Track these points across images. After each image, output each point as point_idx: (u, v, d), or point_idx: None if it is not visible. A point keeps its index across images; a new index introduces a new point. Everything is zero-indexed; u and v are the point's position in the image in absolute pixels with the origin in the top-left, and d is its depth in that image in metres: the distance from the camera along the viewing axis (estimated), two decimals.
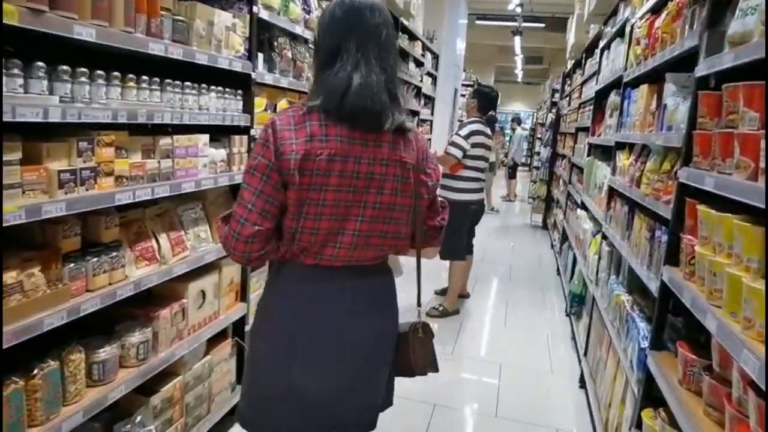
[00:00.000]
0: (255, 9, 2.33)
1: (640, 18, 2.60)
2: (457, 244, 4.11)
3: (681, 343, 1.61)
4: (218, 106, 2.19)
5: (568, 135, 6.26)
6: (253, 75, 2.37)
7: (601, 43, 4.14)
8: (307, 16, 2.83)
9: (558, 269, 5.66)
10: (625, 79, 2.87)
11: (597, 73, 4.27)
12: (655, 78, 2.28)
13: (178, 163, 1.97)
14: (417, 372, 1.51)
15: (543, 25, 11.11)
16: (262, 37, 2.59)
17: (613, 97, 3.32)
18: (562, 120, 7.34)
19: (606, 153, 3.77)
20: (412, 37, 5.55)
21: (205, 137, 2.12)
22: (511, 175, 11.26)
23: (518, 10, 9.30)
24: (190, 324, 2.18)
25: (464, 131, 4.05)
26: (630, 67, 2.78)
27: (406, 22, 5.20)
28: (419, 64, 5.99)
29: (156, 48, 1.75)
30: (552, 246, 6.79)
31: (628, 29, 2.94)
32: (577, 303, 3.87)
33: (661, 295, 1.78)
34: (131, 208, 1.92)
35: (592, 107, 4.33)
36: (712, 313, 1.32)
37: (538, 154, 9.63)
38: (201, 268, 2.23)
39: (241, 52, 2.29)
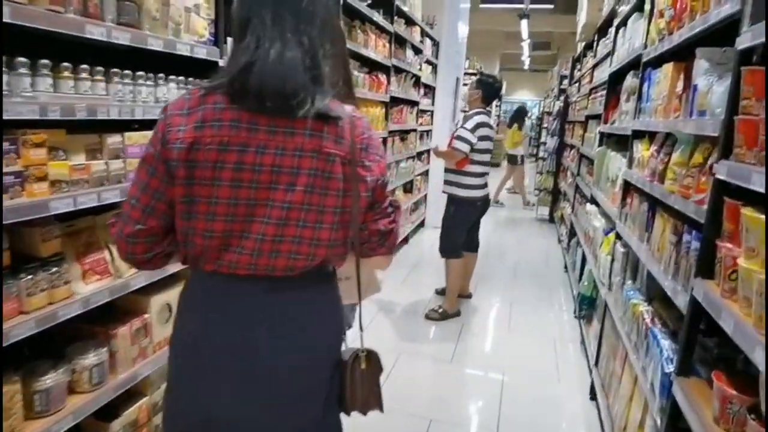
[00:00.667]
0: None
1: None
2: (456, 241, 3.89)
3: (717, 373, 1.35)
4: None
5: (577, 123, 5.97)
6: (222, 62, 2.11)
7: (617, 21, 3.83)
8: None
9: (566, 265, 5.39)
10: (645, 58, 2.58)
11: (611, 54, 3.97)
12: (681, 56, 2.00)
13: (132, 163, 1.73)
14: (354, 408, 1.26)
15: (552, 6, 10.69)
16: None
17: (631, 80, 3.03)
18: (571, 108, 7.03)
19: (621, 143, 3.49)
20: (410, 22, 5.26)
21: None
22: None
23: None
24: (155, 341, 1.95)
25: (470, 124, 3.78)
26: (651, 44, 2.49)
27: (403, 7, 4.91)
28: (417, 51, 5.70)
29: (96, 32, 1.50)
30: (559, 240, 6.51)
31: (648, 3, 2.65)
32: (587, 306, 3.61)
33: (692, 314, 1.52)
34: (80, 216, 1.69)
35: (604, 92, 4.03)
36: (762, 346, 1.06)
37: (544, 144, 9.31)
38: (167, 279, 1.99)
39: (207, 37, 2.03)
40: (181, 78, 1.94)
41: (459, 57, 7.51)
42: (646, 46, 2.61)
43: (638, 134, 2.65)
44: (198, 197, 1.05)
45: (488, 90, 3.98)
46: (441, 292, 4.33)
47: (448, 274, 4.04)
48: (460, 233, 3.92)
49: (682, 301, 1.61)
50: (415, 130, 6.02)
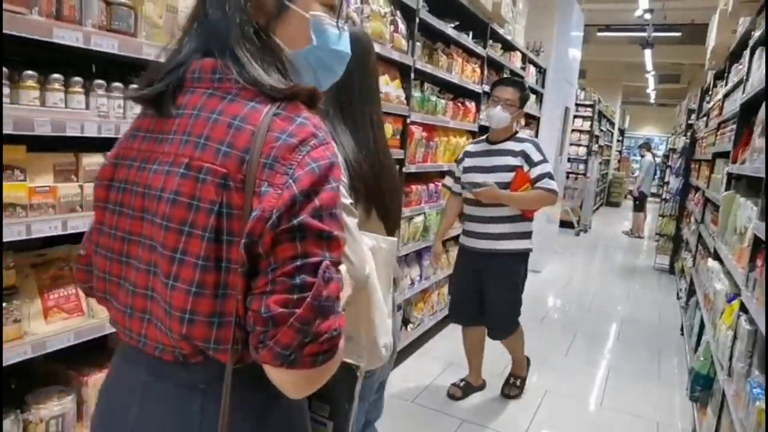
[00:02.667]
0: None
1: None
2: (519, 310, 2.98)
3: None
4: None
5: (704, 163, 5.10)
6: None
7: (752, 41, 3.13)
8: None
9: (682, 328, 4.52)
10: None
11: (744, 80, 3.25)
12: None
13: None
14: None
15: (679, 33, 9.59)
16: None
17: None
18: (698, 144, 6.10)
19: (753, 186, 2.78)
20: (508, 47, 4.83)
21: None
22: (637, 207, 9.87)
23: (647, 17, 8.03)
24: None
25: (542, 153, 2.84)
26: None
27: (499, 29, 4.51)
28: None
29: (68, 36, 1.31)
30: (678, 297, 5.56)
31: None
32: (701, 387, 2.86)
33: None
34: (55, 245, 1.50)
35: (734, 126, 3.31)
36: None
37: (668, 184, 8.26)
38: None
39: None
40: None
41: (569, 86, 6.91)
42: None
43: None
44: (95, 222, 0.87)
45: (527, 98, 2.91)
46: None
47: (511, 347, 3.10)
48: (521, 298, 2.99)
49: None
50: None
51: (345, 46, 0.89)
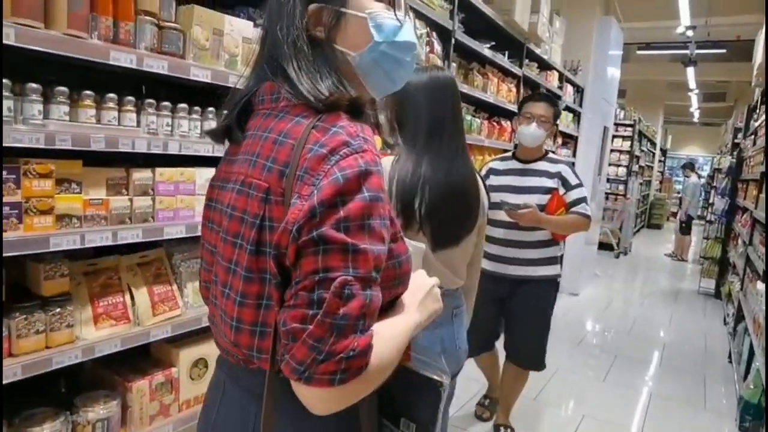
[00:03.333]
0: None
1: None
2: (547, 340, 2.77)
3: None
4: None
5: (752, 182, 4.93)
6: None
7: None
8: None
9: (730, 355, 4.33)
10: None
11: None
12: None
13: (162, 201, 1.59)
14: None
15: (723, 50, 9.31)
16: None
17: None
18: (745, 164, 5.90)
19: None
20: (545, 66, 4.82)
21: (208, 171, 1.72)
22: (684, 230, 9.48)
23: (689, 33, 7.84)
24: (182, 398, 1.76)
25: (577, 176, 2.72)
26: None
27: (536, 50, 4.52)
28: (556, 97, 5.21)
29: (123, 59, 1.40)
30: (725, 322, 5.33)
31: None
32: (752, 416, 2.74)
33: None
34: (105, 254, 1.58)
35: None
36: None
37: (713, 205, 7.99)
38: (205, 330, 1.81)
39: None
40: None
41: (608, 106, 6.81)
42: None
43: None
44: (202, 239, 0.93)
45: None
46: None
47: (517, 386, 2.85)
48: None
49: None
50: None
51: (408, 35, 0.85)
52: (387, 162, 1.48)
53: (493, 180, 2.65)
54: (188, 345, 1.77)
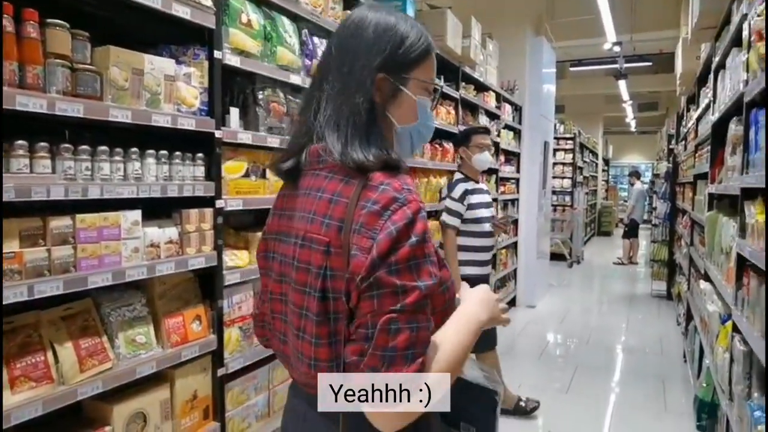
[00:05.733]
0: (218, 54, 1.89)
1: (761, 2, 1.77)
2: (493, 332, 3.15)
3: None
4: (161, 173, 1.72)
5: (687, 185, 5.15)
6: (219, 134, 1.90)
7: (714, 63, 3.22)
8: (310, 62, 2.36)
9: (685, 354, 4.44)
10: (748, 98, 2.01)
11: (712, 102, 3.33)
12: None
13: (84, 249, 1.49)
14: None
15: (650, 63, 9.89)
16: (247, 90, 2.14)
17: (734, 128, 2.42)
18: (680, 168, 6.19)
19: (734, 205, 2.79)
20: (481, 87, 4.94)
21: (134, 214, 1.64)
22: (627, 234, 9.89)
23: (617, 49, 8.28)
24: None
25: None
26: (753, 78, 1.93)
27: (473, 74, 4.63)
28: (493, 117, 5.32)
29: (30, 103, 1.32)
30: (678, 323, 5.49)
31: (745, 31, 2.10)
32: (707, 414, 2.79)
33: None
34: (22, 311, 1.46)
35: (709, 147, 3.36)
36: None
37: (656, 209, 8.32)
38: (143, 381, 1.70)
39: (197, 107, 1.83)
40: (163, 152, 1.73)
41: (547, 122, 7.04)
42: (747, 83, 2.04)
43: (750, 193, 2.03)
44: (263, 287, 1.06)
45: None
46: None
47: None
48: None
49: None
50: (495, 200, 5.54)
51: (433, 122, 1.06)
52: None
53: (472, 199, 3.12)
54: (123, 399, 1.65)
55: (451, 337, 0.89)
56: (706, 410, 2.80)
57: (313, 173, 0.93)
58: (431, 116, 1.03)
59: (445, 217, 3.11)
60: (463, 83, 4.48)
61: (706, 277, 3.20)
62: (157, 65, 1.67)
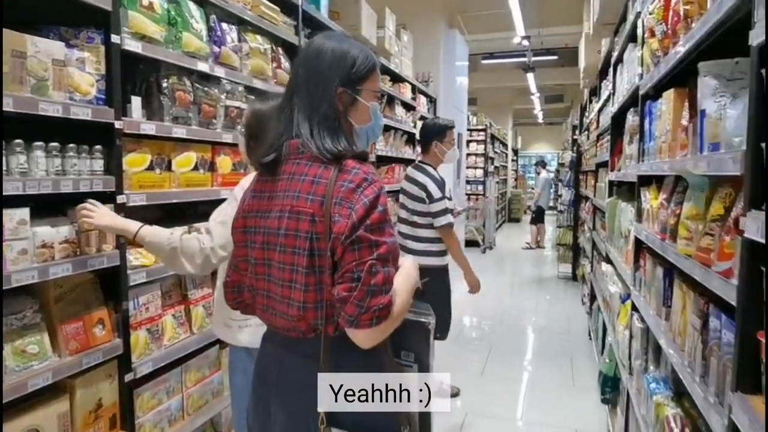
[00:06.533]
0: (116, 39, 1.74)
1: (653, 0, 1.89)
2: (449, 319, 3.31)
3: None
4: (52, 167, 1.56)
5: (590, 173, 5.50)
6: (119, 125, 1.75)
7: (614, 57, 3.44)
8: (219, 49, 2.24)
9: (590, 332, 4.75)
10: (642, 90, 2.15)
11: (612, 95, 3.55)
12: (683, 80, 1.56)
13: None
14: None
15: (556, 57, 10.45)
16: (151, 78, 1.99)
17: (631, 119, 2.59)
18: (583, 157, 6.58)
19: (633, 191, 3.00)
20: (397, 78, 4.97)
21: (21, 212, 1.48)
22: (534, 221, 10.45)
23: (525, 43, 8.65)
24: None
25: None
26: (647, 72, 2.06)
27: (389, 65, 4.64)
28: (409, 108, 5.38)
29: None
30: (582, 302, 5.87)
31: (640, 27, 2.24)
32: (611, 388, 2.99)
33: None
34: None
35: (609, 137, 3.58)
36: None
37: (561, 196, 8.82)
38: (36, 395, 1.55)
39: (93, 95, 1.68)
40: (54, 144, 1.57)
41: (460, 113, 7.22)
42: (641, 76, 2.18)
43: (645, 180, 2.18)
44: (239, 256, 1.29)
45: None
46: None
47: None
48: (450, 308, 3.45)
49: (717, 424, 1.08)
50: None
51: (383, 121, 1.37)
52: (248, 179, 1.67)
53: (447, 191, 3.13)
54: (13, 417, 1.50)
55: (403, 283, 1.16)
56: (610, 384, 3.00)
57: (294, 161, 1.17)
58: (381, 117, 1.30)
59: (440, 220, 3.02)
60: (381, 74, 4.47)
61: (608, 260, 3.43)
62: (43, 48, 1.51)
